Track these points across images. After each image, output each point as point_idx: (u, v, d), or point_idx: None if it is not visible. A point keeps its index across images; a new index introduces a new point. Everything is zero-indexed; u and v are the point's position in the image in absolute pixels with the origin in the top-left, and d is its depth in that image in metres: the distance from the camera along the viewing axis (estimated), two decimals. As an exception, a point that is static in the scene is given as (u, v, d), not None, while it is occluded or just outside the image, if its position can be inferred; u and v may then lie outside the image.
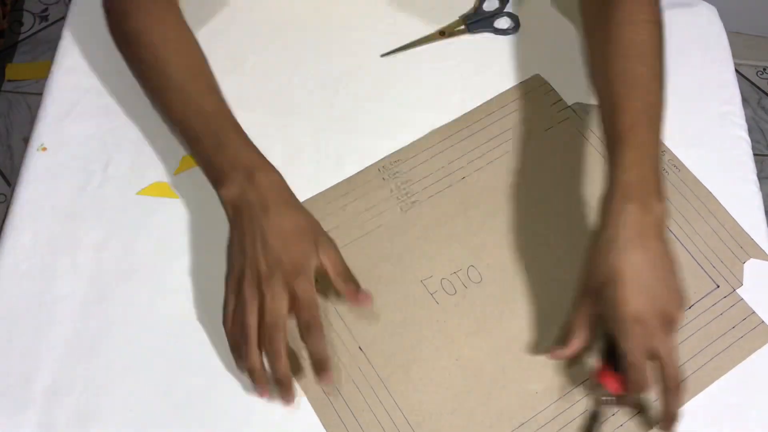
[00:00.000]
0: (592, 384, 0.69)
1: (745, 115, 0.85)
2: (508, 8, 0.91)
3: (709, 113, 0.85)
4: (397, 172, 0.80)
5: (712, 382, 0.70)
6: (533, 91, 0.85)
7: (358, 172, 0.80)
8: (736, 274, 0.75)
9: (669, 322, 0.63)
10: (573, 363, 0.70)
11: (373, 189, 0.79)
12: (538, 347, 0.71)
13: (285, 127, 0.82)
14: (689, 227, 0.77)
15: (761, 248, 0.77)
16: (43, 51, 1.70)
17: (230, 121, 0.72)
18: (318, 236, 0.69)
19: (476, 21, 0.89)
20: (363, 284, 0.70)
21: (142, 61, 0.75)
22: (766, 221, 0.79)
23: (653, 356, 0.63)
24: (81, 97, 0.84)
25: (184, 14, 0.77)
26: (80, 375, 0.69)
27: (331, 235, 0.71)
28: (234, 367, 0.70)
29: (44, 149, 0.80)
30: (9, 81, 1.66)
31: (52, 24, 1.74)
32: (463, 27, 0.89)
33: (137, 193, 0.78)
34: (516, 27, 0.89)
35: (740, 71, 1.68)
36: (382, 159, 0.81)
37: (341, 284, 0.69)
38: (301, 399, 0.68)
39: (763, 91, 1.70)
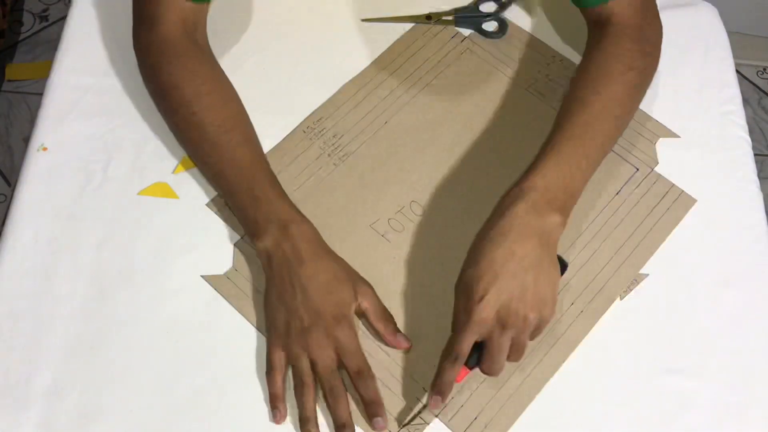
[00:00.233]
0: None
1: (745, 115, 0.85)
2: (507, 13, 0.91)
3: (709, 113, 0.85)
4: (322, 130, 0.82)
5: (651, 255, 0.75)
6: (431, 30, 0.89)
7: (284, 139, 0.82)
8: (651, 154, 0.81)
9: (515, 322, 0.65)
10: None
11: (302, 151, 0.81)
12: None
13: (285, 126, 0.82)
14: None
15: (667, 128, 0.83)
16: (43, 51, 1.70)
17: (264, 173, 0.73)
18: (355, 282, 0.70)
19: (466, 17, 0.90)
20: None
21: (177, 114, 0.76)
22: (766, 221, 0.79)
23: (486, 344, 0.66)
24: (81, 97, 0.84)
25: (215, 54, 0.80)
26: (80, 375, 0.69)
27: None
28: (234, 367, 0.70)
29: (44, 149, 0.80)
30: (9, 81, 1.66)
31: (52, 24, 1.74)
32: (451, 18, 0.90)
33: (138, 194, 0.78)
34: (502, 32, 0.89)
35: (740, 71, 1.68)
36: (305, 120, 0.83)
37: (381, 326, 0.70)
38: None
39: (763, 91, 1.69)
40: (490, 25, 0.90)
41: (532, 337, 0.67)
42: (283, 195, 0.73)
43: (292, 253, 0.69)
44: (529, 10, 0.91)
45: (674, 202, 0.79)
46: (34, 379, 0.69)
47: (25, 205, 0.77)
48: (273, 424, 0.67)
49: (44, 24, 1.74)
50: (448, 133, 0.82)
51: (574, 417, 0.69)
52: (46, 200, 0.77)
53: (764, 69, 1.72)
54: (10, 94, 1.64)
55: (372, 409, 0.67)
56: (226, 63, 0.82)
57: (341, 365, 0.68)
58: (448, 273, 0.73)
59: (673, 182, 0.80)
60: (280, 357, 0.68)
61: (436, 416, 0.68)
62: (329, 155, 0.81)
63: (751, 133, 0.85)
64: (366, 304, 0.70)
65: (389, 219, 0.78)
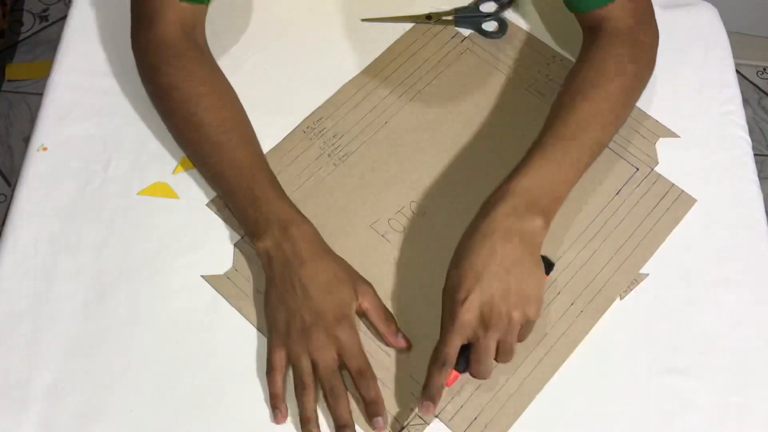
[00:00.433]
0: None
1: (745, 115, 0.85)
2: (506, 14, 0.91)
3: (709, 113, 0.85)
4: (322, 130, 0.82)
5: (651, 255, 0.75)
6: (431, 30, 0.89)
7: (284, 139, 0.82)
8: (651, 154, 0.81)
9: (499, 323, 0.65)
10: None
11: (302, 151, 0.81)
12: None
13: (285, 126, 0.82)
14: None
15: (668, 128, 0.83)
16: (43, 51, 1.70)
17: (264, 173, 0.73)
18: (355, 282, 0.70)
19: (466, 17, 0.90)
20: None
21: (175, 115, 0.76)
22: (766, 221, 0.78)
23: (473, 346, 0.66)
24: (81, 97, 0.84)
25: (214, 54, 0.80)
26: (80, 375, 0.69)
27: None
28: (234, 367, 0.70)
29: (44, 149, 0.80)
30: (9, 81, 1.66)
31: (52, 24, 1.74)
32: (450, 18, 0.90)
33: (138, 194, 0.78)
34: (502, 33, 0.89)
35: (740, 71, 1.68)
36: (304, 120, 0.83)
37: (382, 326, 0.70)
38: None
39: (763, 91, 1.69)
40: (490, 25, 0.90)
41: (520, 338, 0.68)
42: (283, 195, 0.73)
43: (293, 253, 0.69)
44: (529, 10, 0.91)
45: (674, 202, 0.79)
46: (34, 379, 0.69)
47: (25, 205, 0.77)
48: (273, 424, 0.67)
49: (44, 24, 1.74)
50: (448, 133, 0.82)
51: (574, 417, 0.69)
52: (46, 200, 0.77)
53: (764, 69, 1.72)
54: (10, 94, 1.64)
55: (372, 409, 0.67)
56: (225, 63, 0.82)
57: (342, 365, 0.68)
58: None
59: (673, 182, 0.80)
60: (280, 357, 0.68)
61: (437, 416, 0.68)
62: (329, 155, 0.81)
63: (751, 133, 0.85)
64: (367, 303, 0.70)
65: (389, 219, 0.77)
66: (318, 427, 0.66)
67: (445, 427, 0.68)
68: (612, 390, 0.70)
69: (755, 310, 0.74)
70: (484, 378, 0.67)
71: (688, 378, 0.70)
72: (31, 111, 1.62)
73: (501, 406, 0.69)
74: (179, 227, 0.76)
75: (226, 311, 0.73)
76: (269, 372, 0.68)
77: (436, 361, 0.66)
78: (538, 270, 0.68)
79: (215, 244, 0.76)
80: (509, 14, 0.91)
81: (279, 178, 0.75)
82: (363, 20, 0.90)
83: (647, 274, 0.75)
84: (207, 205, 0.78)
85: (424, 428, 0.68)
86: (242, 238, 0.76)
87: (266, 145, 0.79)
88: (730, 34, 0.92)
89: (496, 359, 0.67)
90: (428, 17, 0.90)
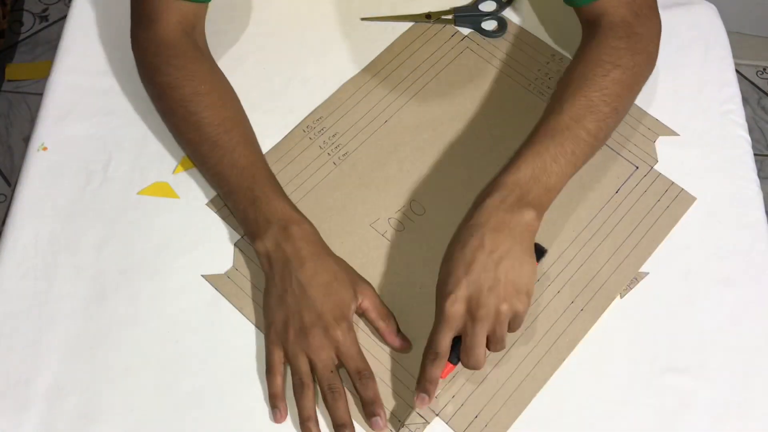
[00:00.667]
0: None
1: (745, 114, 0.85)
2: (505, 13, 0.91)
3: (709, 113, 0.85)
4: (322, 129, 0.82)
5: (650, 254, 0.75)
6: (431, 29, 0.89)
7: (284, 138, 0.82)
8: (651, 152, 0.81)
9: (487, 314, 0.65)
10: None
11: (302, 150, 0.81)
12: None
13: (285, 126, 0.82)
14: None
15: (667, 126, 0.83)
16: (43, 51, 1.70)
17: (264, 173, 0.73)
18: (355, 282, 0.70)
19: (465, 15, 0.90)
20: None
21: (175, 114, 0.76)
22: (766, 220, 0.78)
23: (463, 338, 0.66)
24: (81, 97, 0.84)
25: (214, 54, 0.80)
26: (80, 375, 0.69)
27: None
28: (234, 366, 0.70)
29: (44, 149, 0.80)
30: (9, 81, 1.66)
31: (52, 24, 1.74)
32: (450, 17, 0.90)
33: (138, 193, 0.78)
34: (501, 32, 0.89)
35: (740, 71, 1.68)
36: (304, 119, 0.83)
37: (382, 325, 0.70)
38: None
39: (763, 91, 1.69)
40: (490, 24, 0.90)
41: (511, 329, 0.67)
42: (282, 195, 0.73)
43: (293, 253, 0.69)
44: (528, 9, 0.91)
45: (674, 201, 0.79)
46: (35, 379, 0.69)
47: (25, 205, 0.77)
48: (273, 424, 0.67)
49: (44, 24, 1.74)
50: (448, 132, 0.82)
51: (574, 416, 0.69)
52: (46, 200, 0.77)
53: (764, 69, 1.72)
54: (10, 94, 1.64)
55: (371, 408, 0.67)
56: (225, 63, 0.82)
57: (340, 365, 0.68)
58: None
59: (673, 181, 0.80)
60: (279, 357, 0.68)
61: (437, 415, 0.68)
62: (329, 154, 0.81)
63: (751, 132, 0.85)
64: (367, 303, 0.70)
65: (389, 218, 0.77)
66: (317, 426, 0.66)
67: (446, 426, 0.68)
68: (612, 389, 0.70)
69: (755, 309, 0.74)
70: (476, 369, 0.67)
71: (688, 376, 0.70)
72: (31, 111, 1.62)
73: (501, 404, 0.69)
74: (179, 227, 0.76)
75: (226, 311, 0.73)
76: (268, 372, 0.68)
77: (428, 353, 0.67)
78: (528, 262, 0.67)
79: (215, 243, 0.76)
80: (508, 13, 0.91)
81: (279, 178, 0.75)
82: (362, 19, 0.90)
83: (647, 273, 0.75)
84: (207, 204, 0.78)
85: (424, 427, 0.68)
86: (242, 237, 0.76)
87: (266, 144, 0.80)
88: (730, 33, 0.92)
89: (488, 348, 0.67)
90: (428, 16, 0.90)
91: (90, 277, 0.74)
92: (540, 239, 0.71)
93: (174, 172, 0.79)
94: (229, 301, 0.73)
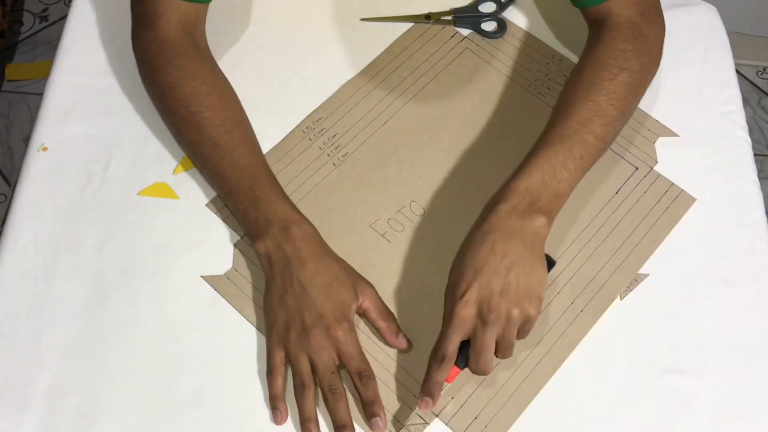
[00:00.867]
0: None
1: (745, 115, 0.85)
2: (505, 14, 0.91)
3: (709, 113, 0.85)
4: (322, 130, 0.82)
5: (650, 255, 0.76)
6: (430, 29, 0.89)
7: (284, 138, 0.82)
8: (650, 153, 0.81)
9: (498, 319, 0.65)
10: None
11: (301, 151, 0.81)
12: None
13: (285, 126, 0.82)
14: None
15: (667, 127, 0.83)
16: (43, 51, 1.70)
17: (264, 173, 0.73)
18: (355, 282, 0.70)
19: (465, 16, 0.90)
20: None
21: (176, 114, 0.75)
22: (765, 221, 0.79)
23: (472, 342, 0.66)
24: (81, 97, 0.84)
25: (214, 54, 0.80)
26: (80, 375, 0.69)
27: None
28: (234, 367, 0.70)
29: (44, 149, 0.80)
30: (9, 81, 1.66)
31: (52, 24, 1.74)
32: (450, 18, 0.90)
33: (138, 194, 0.78)
34: (501, 32, 0.89)
35: (740, 71, 1.68)
36: (304, 120, 0.83)
37: (383, 325, 0.70)
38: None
39: (763, 91, 1.69)
40: (489, 25, 0.90)
41: (520, 335, 0.67)
42: (283, 195, 0.73)
43: (293, 254, 0.69)
44: (528, 10, 0.91)
45: (674, 201, 0.79)
46: (35, 379, 0.69)
47: (25, 205, 0.77)
48: (273, 425, 0.67)
49: (44, 24, 1.74)
50: (447, 133, 0.82)
51: (574, 417, 0.69)
52: (46, 200, 0.77)
53: (764, 69, 1.72)
54: (10, 94, 1.64)
55: (371, 409, 0.67)
56: (225, 63, 0.82)
57: (341, 366, 0.68)
58: (448, 273, 0.73)
59: (673, 182, 0.80)
60: (280, 357, 0.68)
61: (437, 416, 0.68)
62: (329, 155, 0.81)
63: (751, 133, 0.85)
64: (367, 303, 0.70)
65: (389, 219, 0.78)
66: (318, 427, 0.66)
67: (446, 427, 0.68)
68: (612, 389, 0.70)
69: (755, 310, 0.74)
70: (483, 374, 0.67)
71: (688, 377, 0.70)
72: (31, 111, 1.62)
73: (501, 405, 0.69)
74: (179, 227, 0.76)
75: (226, 311, 0.73)
76: (269, 373, 0.68)
77: (435, 356, 0.66)
78: (540, 268, 0.67)
79: (215, 244, 0.76)
80: (508, 14, 0.91)
81: (279, 178, 0.75)
82: (362, 20, 0.90)
83: (647, 274, 0.75)
84: (207, 205, 0.78)
85: (424, 428, 0.68)
86: (242, 238, 0.76)
87: (266, 145, 0.80)
88: (730, 34, 0.92)
89: (496, 355, 0.67)
90: (427, 17, 0.90)
91: (90, 277, 0.74)
92: None
93: (174, 172, 0.79)
94: (228, 302, 0.73)
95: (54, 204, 0.77)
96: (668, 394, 0.69)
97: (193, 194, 0.78)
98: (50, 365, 0.69)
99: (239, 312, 0.72)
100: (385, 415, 0.67)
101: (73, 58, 0.87)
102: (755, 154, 0.83)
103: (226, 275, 0.74)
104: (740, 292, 0.74)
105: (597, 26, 0.78)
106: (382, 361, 0.70)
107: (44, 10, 1.76)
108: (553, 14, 0.91)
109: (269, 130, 0.81)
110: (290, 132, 0.82)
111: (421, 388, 0.67)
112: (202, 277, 0.74)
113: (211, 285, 0.74)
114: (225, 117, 0.75)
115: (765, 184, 0.94)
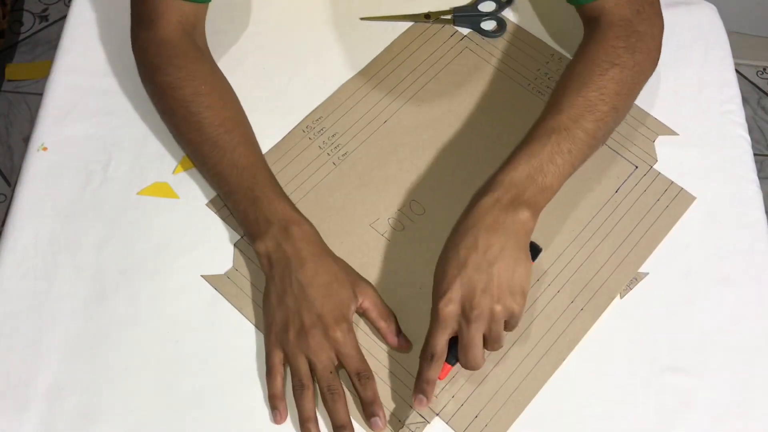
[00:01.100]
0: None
1: (745, 114, 0.85)
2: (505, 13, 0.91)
3: (709, 113, 0.85)
4: (321, 129, 0.82)
5: (650, 253, 0.76)
6: (430, 29, 0.89)
7: (284, 138, 0.82)
8: (650, 152, 0.81)
9: (483, 314, 0.64)
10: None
11: (301, 150, 0.81)
12: None
13: (285, 126, 0.82)
14: None
15: (667, 126, 0.83)
16: (43, 51, 1.70)
17: (264, 173, 0.73)
18: (355, 282, 0.70)
19: (464, 15, 0.90)
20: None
21: (175, 115, 0.75)
22: (766, 221, 0.78)
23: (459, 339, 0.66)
24: (81, 97, 0.84)
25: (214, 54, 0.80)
26: (80, 375, 0.69)
27: None
28: (234, 367, 0.70)
29: (44, 149, 0.80)
30: (9, 81, 1.66)
31: (52, 24, 1.74)
32: (449, 17, 0.90)
33: (138, 193, 0.78)
34: (501, 31, 0.89)
35: (740, 71, 1.68)
36: (304, 119, 0.83)
37: (383, 325, 0.70)
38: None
39: (763, 91, 1.69)
40: (489, 24, 0.90)
41: (507, 328, 0.67)
42: (283, 195, 0.73)
43: (293, 254, 0.69)
44: (527, 9, 0.91)
45: (673, 200, 0.79)
46: (35, 379, 0.69)
47: (25, 205, 0.77)
48: (273, 425, 0.67)
49: (44, 24, 1.74)
50: (447, 132, 0.82)
51: (574, 415, 0.69)
52: (46, 200, 0.77)
53: (764, 69, 1.72)
54: (10, 94, 1.65)
55: (371, 409, 0.67)
56: (225, 63, 0.82)
57: (340, 366, 0.68)
58: None
59: (672, 180, 0.80)
60: (279, 358, 0.68)
61: (437, 415, 0.68)
62: (329, 154, 0.81)
63: (750, 132, 0.85)
64: (367, 303, 0.70)
65: (389, 218, 0.78)
66: (317, 427, 0.66)
67: (446, 426, 0.68)
68: (612, 388, 0.70)
69: (755, 309, 0.74)
70: (474, 369, 0.67)
71: (688, 376, 0.70)
72: (31, 111, 1.62)
73: (501, 404, 0.69)
74: (179, 227, 0.76)
75: (226, 311, 0.73)
76: (268, 373, 0.68)
77: (424, 354, 0.67)
78: (523, 262, 0.67)
79: (215, 244, 0.76)
80: (508, 13, 0.91)
81: (278, 178, 0.75)
82: (362, 19, 0.90)
83: (647, 273, 0.75)
84: (207, 205, 0.78)
85: (424, 427, 0.68)
86: (242, 238, 0.76)
87: (266, 144, 0.80)
88: (730, 33, 0.92)
89: (486, 348, 0.67)
90: (427, 16, 0.90)
91: (90, 277, 0.74)
92: (539, 239, 0.71)
93: (174, 172, 0.79)
94: (228, 301, 0.73)
95: (54, 204, 0.77)
96: (668, 393, 0.69)
97: (193, 194, 0.78)
98: (50, 365, 0.70)
99: (239, 312, 0.72)
100: (384, 414, 0.67)
101: (73, 58, 0.87)
102: (755, 154, 0.83)
103: (227, 275, 0.74)
104: (740, 291, 0.74)
105: (591, 23, 0.78)
106: (382, 360, 0.70)
107: (44, 10, 1.76)
108: (553, 13, 0.91)
109: (269, 130, 0.81)
110: (290, 131, 0.82)
111: (414, 387, 0.67)
112: (202, 276, 0.74)
113: (211, 285, 0.74)
114: (225, 117, 0.75)
115: (765, 184, 0.95)
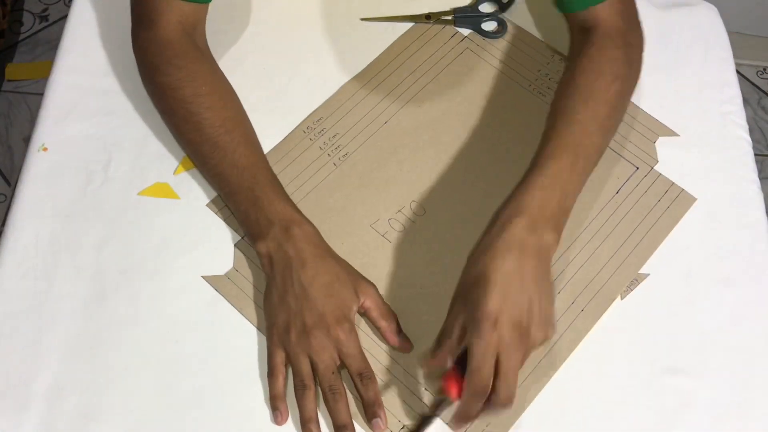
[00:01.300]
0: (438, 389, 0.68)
1: (746, 115, 0.85)
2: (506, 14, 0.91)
3: (709, 113, 0.85)
4: (322, 130, 0.82)
5: (651, 254, 0.76)
6: (430, 29, 0.89)
7: (284, 139, 0.82)
8: (651, 153, 0.82)
9: (525, 341, 0.63)
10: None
11: (302, 151, 0.81)
12: None
13: (285, 126, 0.82)
14: None
15: (667, 127, 0.83)
16: (43, 51, 1.70)
17: (265, 174, 0.73)
18: (356, 282, 0.70)
19: (465, 16, 0.90)
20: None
21: (176, 115, 0.75)
22: (766, 221, 0.79)
23: (497, 365, 0.62)
24: (81, 97, 0.84)
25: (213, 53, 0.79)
26: (80, 375, 0.69)
27: None
28: (234, 367, 0.70)
29: (44, 149, 0.80)
30: (9, 81, 1.66)
31: (52, 24, 1.74)
32: (450, 18, 0.90)
33: (138, 194, 0.78)
34: (502, 32, 0.89)
35: (740, 71, 1.68)
36: (304, 120, 0.83)
37: (384, 325, 0.70)
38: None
39: (763, 91, 1.70)
40: (490, 25, 0.90)
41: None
42: (284, 196, 0.73)
43: (294, 254, 0.69)
44: (528, 10, 0.91)
45: (674, 201, 0.79)
46: (35, 379, 0.69)
47: (25, 205, 0.77)
48: (274, 425, 0.67)
49: (44, 24, 1.74)
50: (447, 133, 0.82)
51: (574, 416, 0.69)
52: (46, 200, 0.77)
53: (764, 69, 1.72)
54: (10, 94, 1.64)
55: (372, 409, 0.67)
56: (225, 63, 0.82)
57: (342, 366, 0.68)
58: (448, 273, 0.73)
59: (673, 181, 0.80)
60: (280, 358, 0.68)
61: (438, 416, 0.68)
62: (329, 155, 0.81)
63: (751, 133, 0.85)
64: (369, 302, 0.70)
65: (389, 219, 0.77)
66: (318, 427, 0.66)
67: (446, 427, 0.68)
68: (612, 389, 0.70)
69: (755, 309, 0.74)
70: (509, 401, 0.62)
71: (689, 377, 0.70)
72: (31, 111, 1.62)
73: (501, 405, 0.69)
74: (179, 227, 0.76)
75: (226, 311, 0.73)
76: (270, 373, 0.68)
77: (472, 389, 0.62)
78: (552, 288, 0.67)
79: (215, 244, 0.76)
80: (508, 14, 0.91)
81: (279, 178, 0.75)
82: (362, 20, 0.90)
83: (648, 274, 0.75)
84: (207, 205, 0.78)
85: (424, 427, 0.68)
86: (243, 238, 0.76)
87: (266, 145, 0.80)
88: (730, 34, 0.92)
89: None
90: (427, 17, 0.90)
91: (90, 277, 0.74)
92: None
93: (175, 172, 0.79)
94: (229, 302, 0.73)
95: (54, 204, 0.77)
96: (668, 394, 0.69)
97: (193, 194, 0.78)
98: (50, 365, 0.69)
99: (240, 312, 0.72)
100: (385, 415, 0.67)
101: (73, 58, 0.87)
102: (755, 154, 0.83)
103: (227, 275, 0.74)
104: (740, 292, 0.74)
105: (584, 32, 0.78)
106: (383, 360, 0.70)
107: (44, 10, 1.76)
108: (554, 14, 0.90)
109: (269, 130, 0.81)
110: (290, 132, 0.82)
111: (455, 417, 0.64)
112: (202, 277, 0.74)
113: (211, 285, 0.74)
114: (225, 117, 0.75)
115: (765, 184, 0.94)
